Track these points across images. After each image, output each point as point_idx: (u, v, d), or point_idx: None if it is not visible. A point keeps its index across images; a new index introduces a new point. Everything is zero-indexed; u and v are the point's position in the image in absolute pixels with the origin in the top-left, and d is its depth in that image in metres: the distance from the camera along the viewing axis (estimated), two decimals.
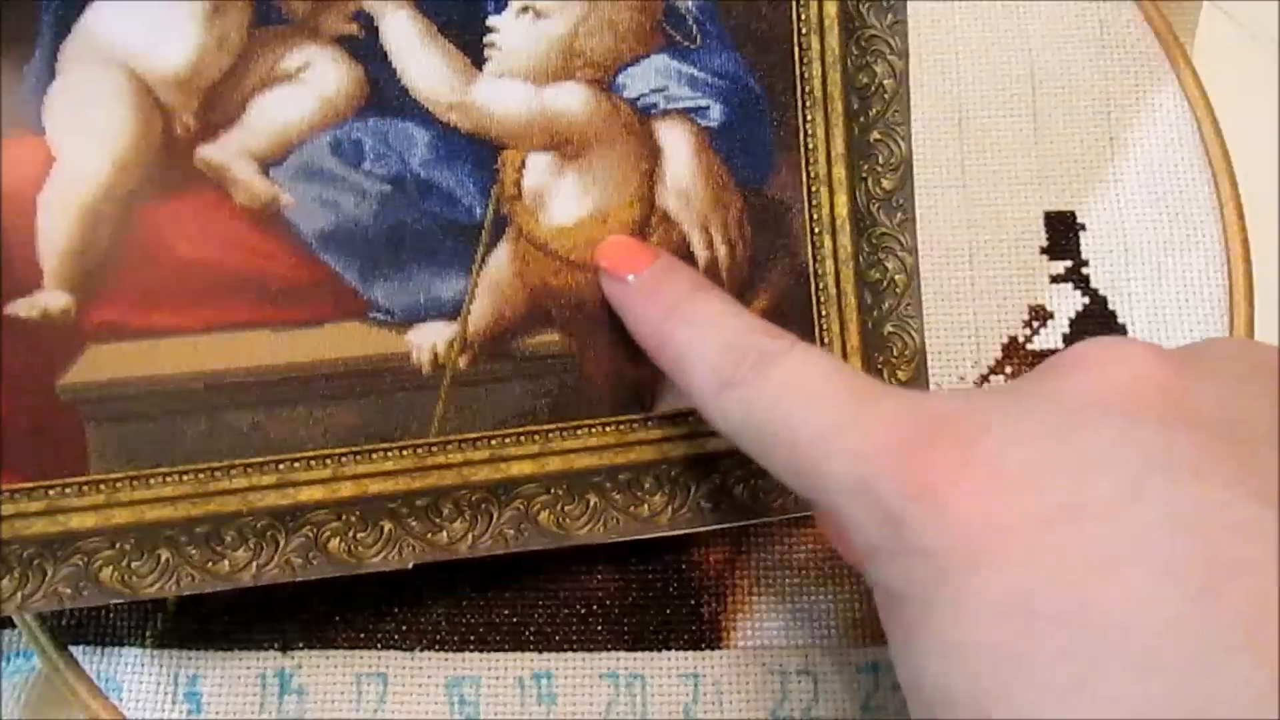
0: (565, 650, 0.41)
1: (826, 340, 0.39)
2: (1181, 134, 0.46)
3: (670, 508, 0.38)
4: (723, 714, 0.40)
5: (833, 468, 0.28)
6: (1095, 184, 0.45)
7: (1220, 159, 0.45)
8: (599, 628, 0.41)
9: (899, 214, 0.39)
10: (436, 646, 0.41)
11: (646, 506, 0.38)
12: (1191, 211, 0.45)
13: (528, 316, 0.38)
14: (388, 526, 0.37)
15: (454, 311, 0.37)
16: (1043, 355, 0.44)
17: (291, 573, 0.36)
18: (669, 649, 0.41)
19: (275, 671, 0.41)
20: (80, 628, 0.42)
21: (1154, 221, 0.45)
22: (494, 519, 0.37)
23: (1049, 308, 0.44)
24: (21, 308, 0.35)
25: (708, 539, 0.42)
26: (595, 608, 0.41)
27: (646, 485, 0.38)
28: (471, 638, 0.41)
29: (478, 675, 0.41)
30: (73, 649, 0.41)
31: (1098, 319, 0.44)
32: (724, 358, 0.32)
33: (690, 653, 0.41)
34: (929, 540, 0.25)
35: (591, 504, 0.38)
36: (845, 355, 0.39)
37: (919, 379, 0.40)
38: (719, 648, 0.41)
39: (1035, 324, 0.44)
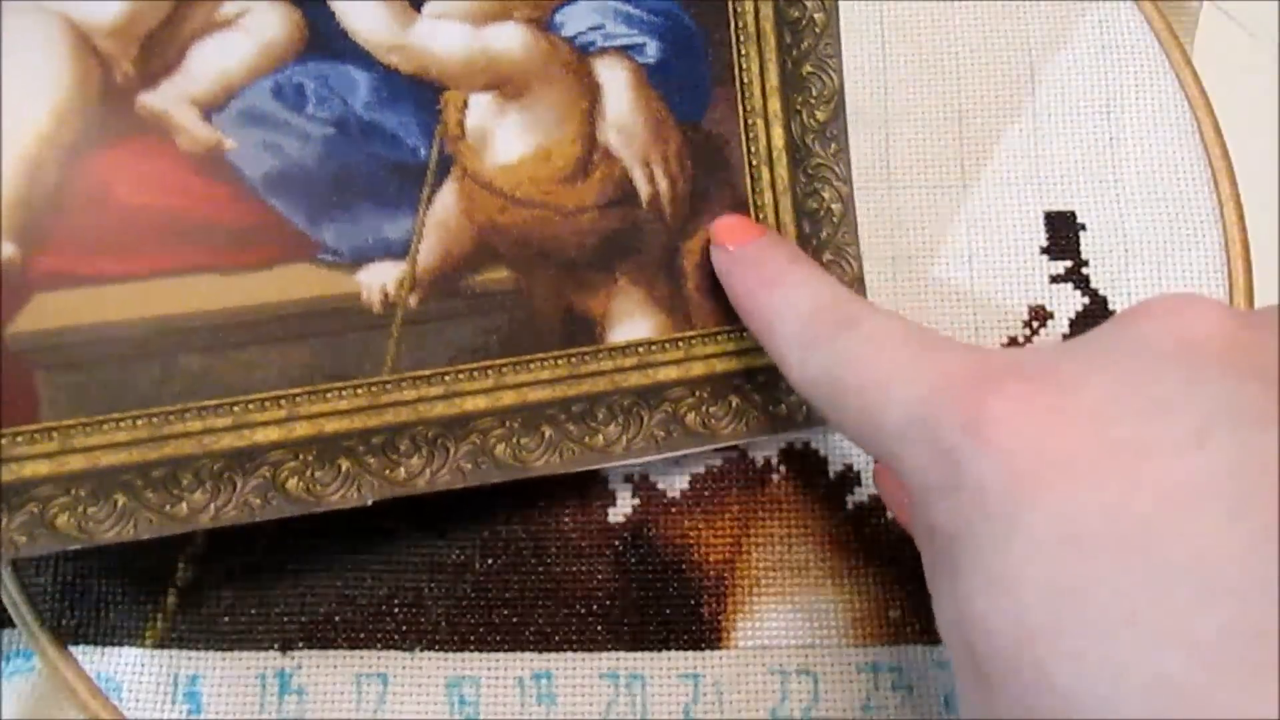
0: (565, 650, 0.41)
1: None
2: (1181, 134, 0.45)
3: (625, 437, 0.39)
4: (723, 714, 0.40)
5: (891, 413, 0.29)
6: (1095, 184, 0.45)
7: (1220, 159, 0.45)
8: (599, 628, 0.41)
9: (833, 144, 0.40)
10: (436, 646, 0.41)
11: (601, 437, 0.39)
12: (1191, 211, 0.45)
13: (475, 254, 0.39)
14: (345, 465, 0.37)
15: (402, 251, 0.38)
16: None
17: (250, 513, 0.36)
18: (669, 649, 0.41)
19: (275, 671, 0.40)
20: (80, 628, 0.41)
21: (1154, 221, 0.45)
22: (451, 454, 0.38)
23: (1049, 308, 0.44)
24: None
25: (708, 538, 0.42)
26: (595, 608, 0.41)
27: (600, 416, 0.39)
28: (471, 638, 0.41)
29: (478, 675, 0.40)
30: (73, 649, 0.41)
31: (1098, 319, 0.44)
32: (810, 321, 0.33)
33: (690, 653, 0.41)
34: (983, 473, 0.25)
35: (546, 436, 0.39)
36: None
37: None
38: (719, 648, 0.41)
39: (1035, 324, 0.44)
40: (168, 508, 0.36)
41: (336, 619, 0.41)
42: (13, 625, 0.42)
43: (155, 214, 0.37)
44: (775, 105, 0.40)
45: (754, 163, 0.40)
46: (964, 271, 0.45)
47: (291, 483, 0.37)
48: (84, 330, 0.36)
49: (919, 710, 0.40)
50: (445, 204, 0.38)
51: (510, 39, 0.38)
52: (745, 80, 0.40)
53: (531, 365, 0.39)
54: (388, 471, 0.37)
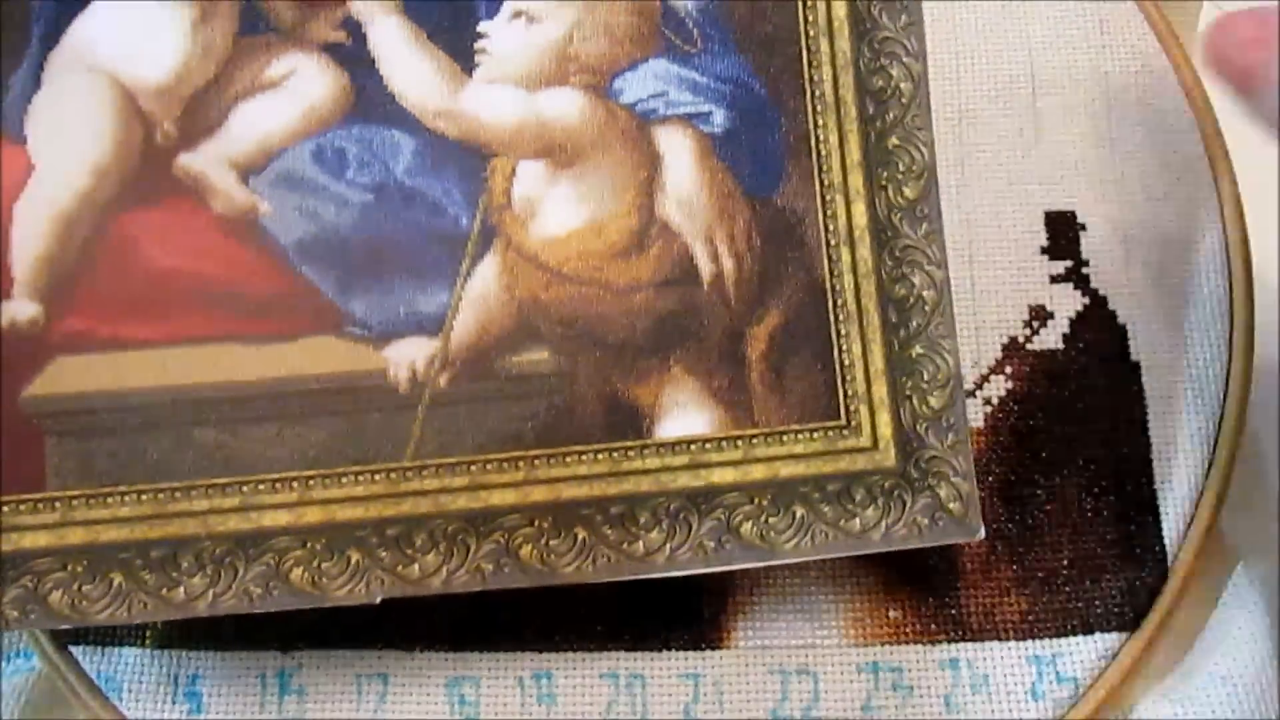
0: (566, 650, 0.39)
1: (846, 363, 0.35)
2: (1181, 134, 0.44)
3: (669, 546, 0.35)
4: (723, 714, 0.38)
5: None
6: (1095, 184, 0.44)
7: (1220, 159, 0.44)
8: (599, 628, 0.39)
9: (924, 224, 0.36)
10: (436, 646, 0.39)
11: (641, 544, 0.35)
12: (1191, 211, 0.43)
13: (515, 332, 0.35)
14: (355, 557, 0.34)
15: (436, 327, 0.35)
16: (1043, 355, 0.42)
17: (250, 603, 0.33)
18: (669, 649, 0.39)
19: (275, 671, 0.39)
20: (80, 628, 0.39)
21: (1154, 221, 0.43)
22: (471, 552, 0.34)
23: (1049, 308, 0.42)
24: None
25: None
26: (595, 608, 0.39)
27: (642, 520, 0.35)
28: (471, 638, 0.39)
29: (478, 675, 0.39)
30: (73, 649, 0.40)
31: (1098, 319, 0.42)
32: None
33: (690, 653, 0.39)
34: None
35: (580, 539, 0.34)
36: (868, 380, 0.35)
37: (953, 407, 0.36)
38: (719, 648, 0.39)
39: (1035, 324, 0.42)
40: (164, 591, 0.33)
41: (336, 619, 0.38)
42: None
43: (182, 278, 0.35)
44: (857, 181, 0.36)
45: (832, 243, 0.36)
46: (964, 271, 0.43)
47: (296, 573, 0.34)
48: (99, 397, 0.34)
49: (919, 710, 0.39)
50: (485, 278, 0.35)
51: (565, 105, 0.36)
52: (823, 153, 0.36)
53: (568, 458, 0.35)
54: (400, 567, 0.34)
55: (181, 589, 0.33)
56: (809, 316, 0.36)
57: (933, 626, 0.39)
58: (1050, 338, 0.42)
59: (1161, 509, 0.40)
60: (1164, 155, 0.44)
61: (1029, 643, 0.39)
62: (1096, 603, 0.39)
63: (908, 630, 0.39)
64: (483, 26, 0.36)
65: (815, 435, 0.35)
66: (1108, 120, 0.45)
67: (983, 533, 0.36)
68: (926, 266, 0.36)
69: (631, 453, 0.35)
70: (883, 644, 0.39)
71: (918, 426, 0.36)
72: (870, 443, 0.35)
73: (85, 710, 0.40)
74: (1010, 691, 0.39)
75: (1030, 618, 0.39)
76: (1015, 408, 0.41)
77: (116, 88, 0.35)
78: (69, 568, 0.33)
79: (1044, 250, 0.43)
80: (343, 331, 0.35)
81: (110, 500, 0.34)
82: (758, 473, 0.35)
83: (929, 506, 0.35)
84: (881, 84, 0.36)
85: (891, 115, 0.36)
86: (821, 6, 0.36)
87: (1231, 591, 0.41)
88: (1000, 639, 0.39)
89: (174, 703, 0.39)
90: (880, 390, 0.36)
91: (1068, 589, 0.39)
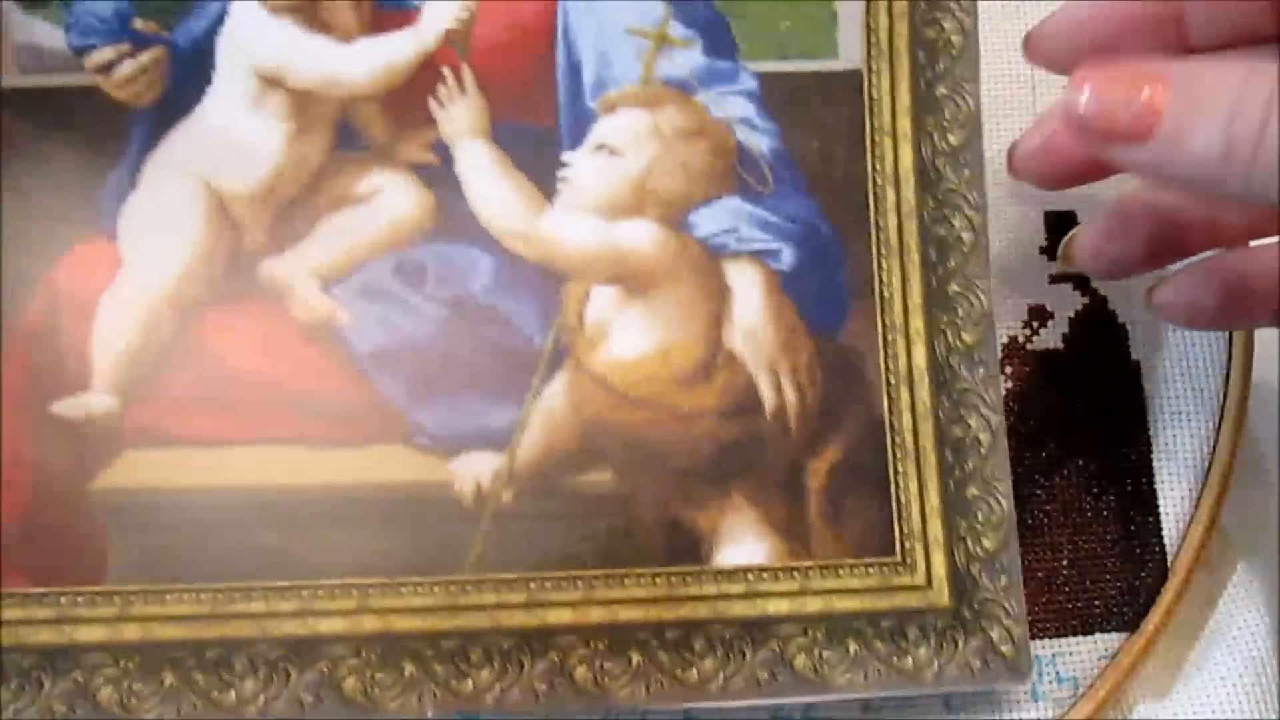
0: None
1: (903, 500, 0.36)
2: None
3: (722, 674, 0.35)
4: (723, 714, 0.37)
5: None
6: (1095, 184, 0.41)
7: None
8: None
9: (981, 369, 0.37)
10: None
11: (696, 671, 0.34)
12: None
13: (580, 452, 0.36)
14: (410, 669, 0.34)
15: (502, 442, 0.36)
16: (1043, 355, 0.42)
17: (300, 710, 0.33)
18: None
19: None
20: None
21: None
22: (525, 670, 0.34)
23: (1049, 308, 0.42)
24: (67, 407, 0.35)
25: None
26: None
27: (697, 647, 0.35)
28: None
29: None
30: None
31: (1098, 319, 0.42)
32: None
33: None
34: None
35: (634, 663, 0.34)
36: (923, 517, 0.36)
37: (1006, 548, 0.36)
38: None
39: (1035, 324, 0.42)
40: (215, 694, 0.33)
41: None
42: None
43: (259, 381, 0.35)
44: (918, 323, 0.37)
45: (892, 382, 0.37)
46: None
47: (349, 682, 0.33)
48: (165, 493, 0.34)
49: (919, 710, 0.38)
50: (554, 397, 0.36)
51: (640, 235, 0.37)
52: (886, 295, 0.37)
53: (626, 580, 0.35)
54: (454, 682, 0.34)
55: (233, 692, 0.33)
56: (868, 453, 0.36)
57: None
58: (1050, 338, 0.42)
59: (1161, 509, 0.40)
60: None
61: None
62: (1096, 603, 0.39)
63: None
64: (566, 156, 0.37)
65: (871, 571, 0.35)
66: None
67: (1034, 677, 0.36)
68: (983, 410, 0.37)
69: (689, 578, 0.35)
70: None
71: (971, 567, 0.36)
72: (925, 581, 0.36)
73: None
74: (1010, 691, 0.38)
75: (1030, 618, 0.38)
76: (1015, 408, 0.40)
77: (209, 192, 0.37)
78: (121, 664, 0.33)
79: (1044, 250, 0.42)
80: (411, 442, 0.35)
81: (169, 597, 0.34)
82: (813, 605, 0.35)
83: (981, 648, 0.35)
84: (944, 233, 0.37)
85: (953, 262, 0.37)
86: (889, 157, 0.38)
87: (1231, 591, 0.41)
88: None
89: None
90: (935, 529, 0.36)
91: (1068, 589, 0.39)
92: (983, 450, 0.36)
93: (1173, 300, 0.36)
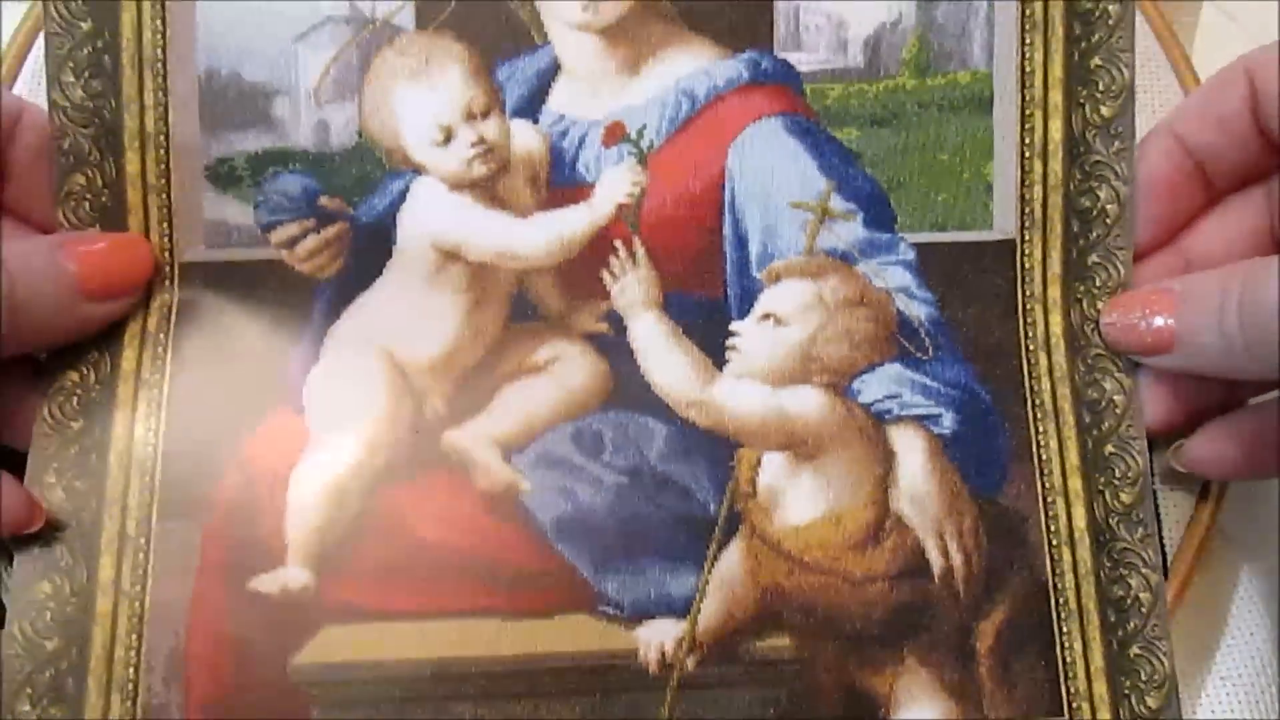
0: None
1: (1069, 660, 0.37)
2: None
3: None
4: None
5: None
6: None
7: None
8: None
9: (1139, 529, 0.38)
10: None
11: None
12: None
13: (758, 618, 0.37)
14: None
15: (684, 609, 0.37)
16: None
17: None
18: None
19: None
20: None
21: None
22: None
23: None
24: (264, 583, 0.36)
25: None
26: None
27: None
28: None
29: None
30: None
31: None
32: None
33: None
34: None
35: None
36: (1089, 677, 0.37)
37: (1169, 707, 0.37)
38: None
39: None
40: None
41: None
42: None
43: (445, 552, 0.36)
44: (1076, 484, 0.38)
45: (1054, 543, 0.38)
46: None
47: None
48: (366, 668, 0.35)
49: None
50: (731, 563, 0.37)
51: (807, 402, 0.38)
52: (1044, 458, 0.38)
53: None
54: None
55: None
56: (1033, 614, 0.37)
57: None
58: None
59: (1161, 510, 0.40)
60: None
61: None
62: None
63: None
64: (734, 325, 0.39)
65: None
66: None
67: None
68: (1143, 570, 0.38)
69: None
70: None
71: None
72: None
73: None
74: None
75: None
76: None
77: (391, 364, 0.38)
78: None
79: None
80: (596, 610, 0.36)
81: None
82: None
83: None
84: (1095, 396, 0.39)
85: (1106, 425, 0.39)
86: (1040, 323, 0.39)
87: (1231, 591, 0.41)
88: None
89: None
90: (1101, 688, 0.37)
91: None
92: (1144, 610, 0.38)
93: (1200, 457, 0.39)
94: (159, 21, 0.37)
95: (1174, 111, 0.40)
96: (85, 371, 0.37)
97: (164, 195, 0.37)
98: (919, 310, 0.39)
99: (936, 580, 0.37)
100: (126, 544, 0.36)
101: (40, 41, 0.40)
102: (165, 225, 0.37)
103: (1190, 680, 0.40)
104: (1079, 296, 0.39)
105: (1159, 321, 0.37)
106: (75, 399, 0.36)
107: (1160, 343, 0.37)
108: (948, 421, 0.39)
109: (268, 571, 0.36)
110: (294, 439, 0.37)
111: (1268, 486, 0.43)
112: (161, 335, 0.37)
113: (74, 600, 0.35)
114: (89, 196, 0.37)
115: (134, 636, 0.35)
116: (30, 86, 0.41)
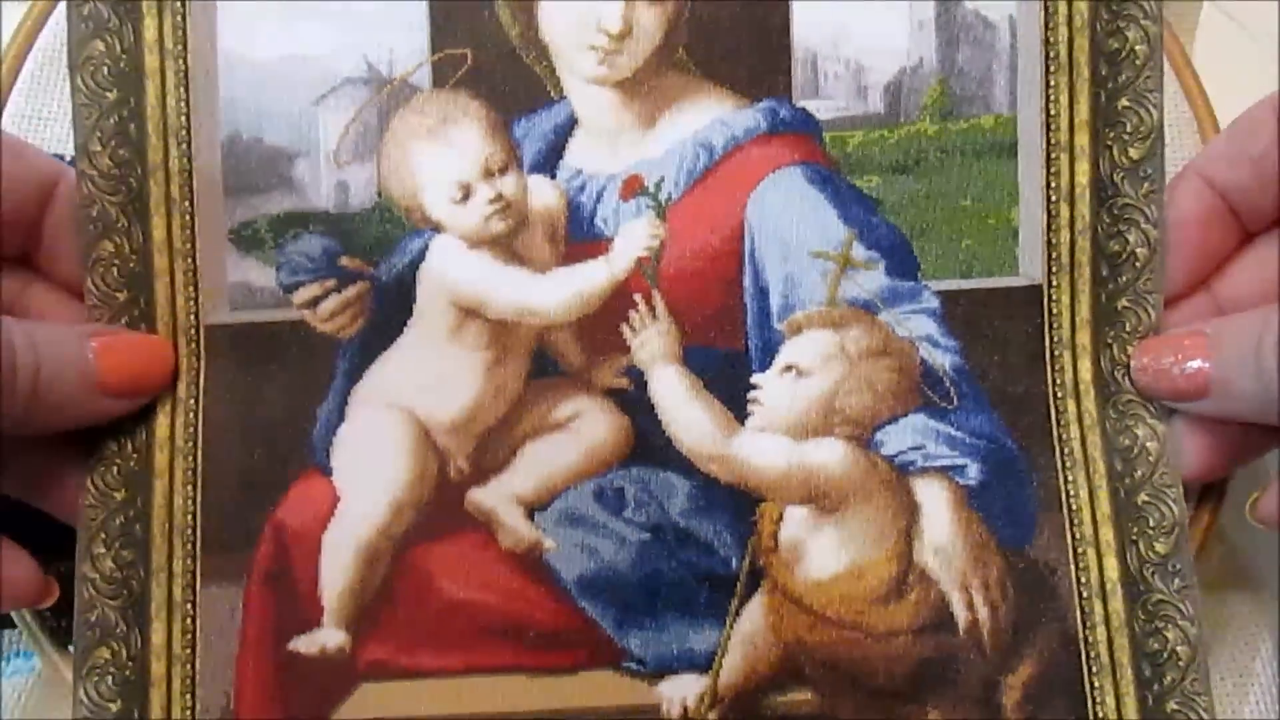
0: None
1: (1100, 715, 0.37)
2: (1181, 134, 0.44)
3: None
4: None
5: None
6: None
7: None
8: None
9: (1176, 580, 0.37)
10: None
11: None
12: None
13: (780, 673, 0.37)
14: None
15: (706, 664, 0.37)
16: None
17: None
18: None
19: None
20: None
21: None
22: None
23: None
24: (302, 644, 0.37)
25: None
26: None
27: None
28: None
29: None
30: (72, 649, 0.39)
31: None
32: None
33: None
34: None
35: None
36: None
37: None
38: None
39: None
40: None
41: None
42: (13, 625, 0.42)
43: (473, 611, 0.37)
44: (1108, 534, 0.38)
45: (1085, 595, 0.37)
46: None
47: None
48: None
49: None
50: (753, 618, 0.37)
51: (830, 454, 0.38)
52: (1074, 507, 0.38)
53: None
54: None
55: None
56: (1063, 668, 0.37)
57: None
58: None
59: None
60: (1164, 155, 0.41)
61: None
62: None
63: None
64: (756, 378, 0.38)
65: None
66: None
67: None
68: (1180, 622, 0.37)
69: None
70: None
71: None
72: None
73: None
74: None
75: None
76: None
77: (414, 423, 0.38)
78: None
79: None
80: (620, 667, 0.37)
81: None
82: None
83: None
84: (1128, 443, 0.38)
85: (1140, 472, 0.38)
86: (1069, 370, 0.38)
87: (1231, 592, 0.41)
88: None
89: None
90: None
91: None
92: (1181, 663, 0.37)
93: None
94: (182, 90, 0.38)
95: (1202, 153, 0.39)
96: (123, 441, 0.38)
97: (189, 259, 0.38)
98: (943, 359, 0.39)
99: (962, 634, 0.37)
100: (175, 610, 0.37)
101: (40, 43, 0.41)
102: (191, 289, 0.38)
103: None
104: (1109, 342, 0.38)
105: (1193, 366, 0.36)
106: (115, 468, 0.37)
107: (1195, 388, 0.36)
108: (973, 472, 0.38)
109: (305, 633, 0.37)
110: (324, 501, 0.38)
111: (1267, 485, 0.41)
112: (192, 401, 0.38)
113: (130, 664, 0.37)
114: (117, 262, 0.38)
115: (188, 696, 0.37)
116: (30, 87, 0.42)
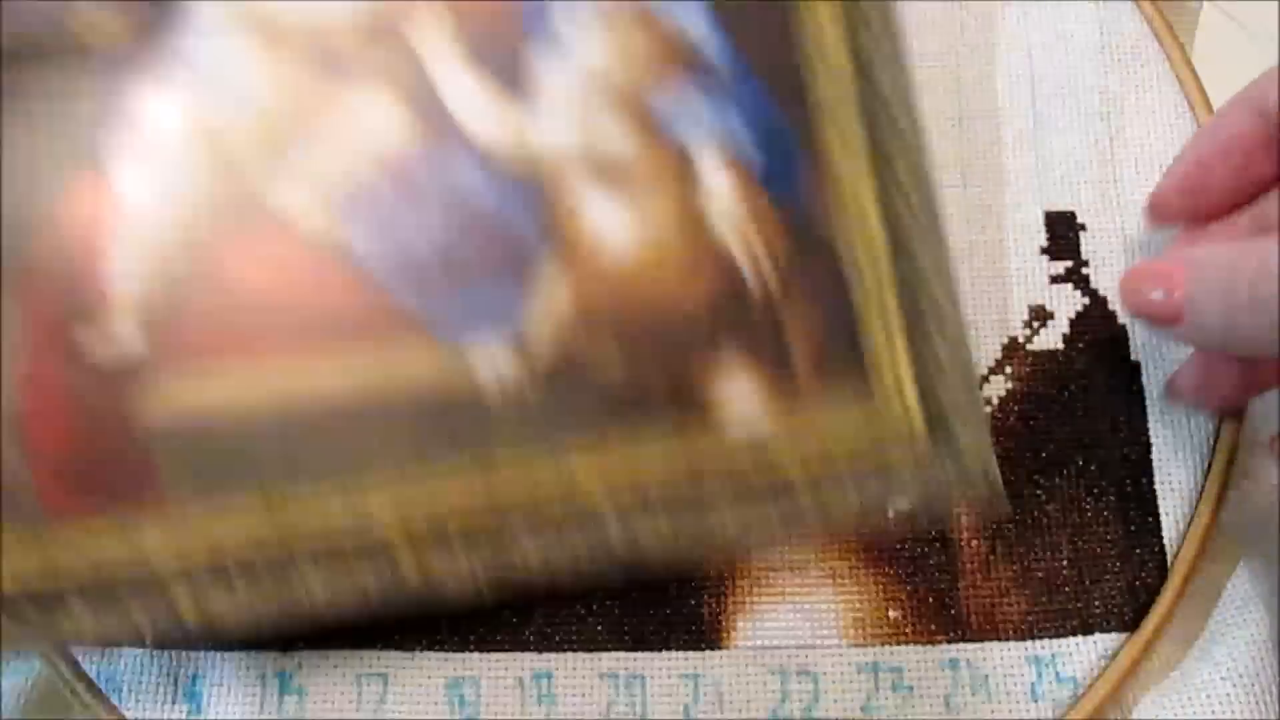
0: (566, 650, 0.41)
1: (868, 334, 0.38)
2: (1181, 134, 0.45)
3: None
4: (723, 714, 0.40)
5: None
6: (1095, 184, 0.45)
7: None
8: (599, 627, 0.41)
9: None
10: (436, 647, 0.41)
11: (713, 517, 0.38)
12: None
13: (585, 335, 0.38)
14: (459, 548, 0.36)
15: (514, 331, 0.38)
16: (1043, 356, 0.43)
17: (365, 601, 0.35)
18: (669, 649, 0.41)
19: (275, 671, 0.40)
20: None
21: None
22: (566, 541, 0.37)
23: (1049, 308, 0.44)
24: (91, 336, 0.36)
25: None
26: (595, 607, 0.41)
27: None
28: (472, 638, 0.41)
29: (477, 676, 0.40)
30: (72, 649, 0.40)
31: (1098, 319, 0.44)
32: None
33: (690, 653, 0.40)
34: None
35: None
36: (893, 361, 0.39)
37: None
38: (719, 648, 0.41)
39: (1035, 324, 0.43)
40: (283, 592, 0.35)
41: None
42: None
43: (274, 301, 0.37)
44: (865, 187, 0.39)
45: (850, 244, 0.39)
46: (964, 271, 0.44)
47: (407, 564, 0.36)
48: (206, 417, 0.36)
49: (919, 710, 0.39)
50: (555, 286, 0.39)
51: (614, 130, 0.39)
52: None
53: (643, 443, 0.38)
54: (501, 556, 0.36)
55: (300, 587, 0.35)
56: (839, 310, 0.39)
57: (932, 626, 0.40)
58: (1050, 338, 0.43)
59: (1161, 509, 0.41)
60: (1164, 155, 0.45)
61: (1029, 643, 0.40)
62: (1096, 603, 0.40)
63: (907, 630, 0.41)
64: (531, 52, 0.39)
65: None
66: (1108, 120, 0.46)
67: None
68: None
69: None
70: (882, 644, 0.40)
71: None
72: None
73: (85, 711, 0.40)
74: (1010, 692, 0.39)
75: (1030, 618, 0.40)
76: (1015, 408, 0.42)
77: (197, 120, 0.38)
78: (191, 574, 0.34)
79: (1044, 250, 0.44)
80: (427, 339, 0.37)
81: (223, 504, 0.35)
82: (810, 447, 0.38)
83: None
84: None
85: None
86: (811, 28, 0.39)
87: (1231, 591, 0.41)
88: (1000, 639, 0.40)
89: (174, 703, 0.40)
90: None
91: (1067, 589, 0.41)
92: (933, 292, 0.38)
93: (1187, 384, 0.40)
94: None
95: (1253, 82, 0.39)
96: None
97: None
98: (704, 29, 0.39)
99: (750, 285, 0.39)
100: None
101: None
102: None
103: (1191, 678, 0.40)
104: None
105: (1165, 295, 0.37)
106: None
107: (1170, 314, 0.37)
108: (745, 137, 0.39)
109: (95, 325, 0.36)
110: (109, 201, 0.37)
111: (1268, 484, 0.43)
112: None
113: None
114: None
115: None
116: None
